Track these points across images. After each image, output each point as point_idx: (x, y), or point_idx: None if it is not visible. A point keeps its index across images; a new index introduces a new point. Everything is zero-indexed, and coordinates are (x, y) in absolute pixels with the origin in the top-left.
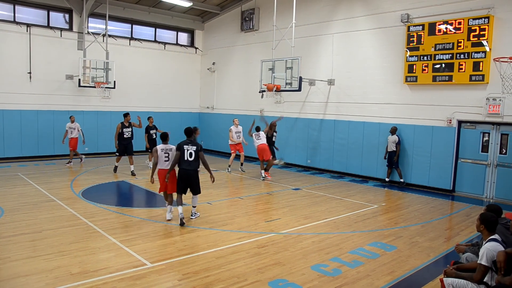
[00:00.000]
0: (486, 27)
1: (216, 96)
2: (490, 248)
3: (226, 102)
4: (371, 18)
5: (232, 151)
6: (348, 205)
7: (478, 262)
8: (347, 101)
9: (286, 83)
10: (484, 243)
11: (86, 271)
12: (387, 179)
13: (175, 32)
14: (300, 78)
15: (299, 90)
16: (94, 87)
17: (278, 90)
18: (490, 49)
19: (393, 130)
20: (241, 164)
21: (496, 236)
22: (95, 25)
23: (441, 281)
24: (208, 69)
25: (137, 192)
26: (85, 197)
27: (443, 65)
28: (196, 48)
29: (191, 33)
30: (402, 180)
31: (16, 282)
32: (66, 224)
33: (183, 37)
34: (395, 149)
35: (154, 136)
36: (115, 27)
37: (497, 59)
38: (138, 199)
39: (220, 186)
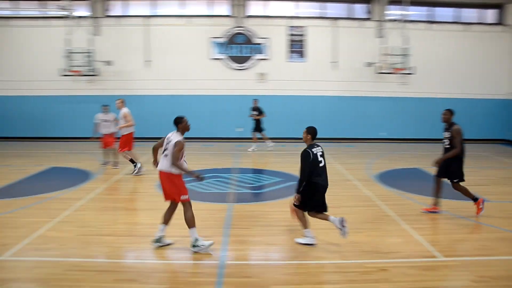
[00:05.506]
0: None
1: None
2: None
3: None
4: None
5: None
6: None
7: None
8: None
9: None
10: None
11: (377, 251)
12: None
13: (479, 10)
14: None
15: None
16: (393, 73)
17: None
18: None
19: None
20: None
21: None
22: (394, 12)
23: None
24: None
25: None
26: (381, 181)
27: None
28: (506, 26)
29: (499, 8)
30: None
31: (317, 247)
32: (361, 204)
33: (489, 14)
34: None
35: None
36: (413, 12)
37: None
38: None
39: None
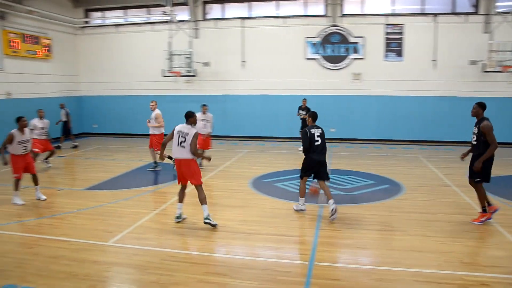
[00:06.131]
0: None
1: None
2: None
3: None
4: None
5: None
6: None
7: None
8: None
9: None
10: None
11: (477, 264)
12: None
13: None
14: None
15: None
16: (501, 71)
17: None
18: None
19: None
20: None
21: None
22: (504, 3)
23: None
24: None
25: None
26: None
27: None
28: None
29: None
30: None
31: (410, 254)
32: (460, 211)
33: None
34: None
35: None
36: None
37: None
38: None
39: None
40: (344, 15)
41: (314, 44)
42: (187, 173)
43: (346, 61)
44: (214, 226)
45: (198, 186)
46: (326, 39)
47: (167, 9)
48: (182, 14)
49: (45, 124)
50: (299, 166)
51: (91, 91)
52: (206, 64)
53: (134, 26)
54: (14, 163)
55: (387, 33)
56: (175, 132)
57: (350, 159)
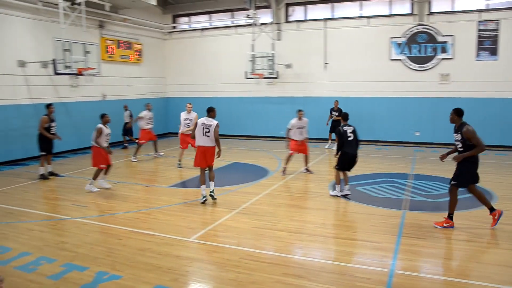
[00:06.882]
0: None
1: None
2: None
3: None
4: None
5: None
6: None
7: None
8: None
9: None
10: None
11: None
12: None
13: None
14: None
15: None
16: None
17: None
18: None
19: None
20: None
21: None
22: None
23: None
24: None
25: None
26: None
27: None
28: None
29: None
30: None
31: (503, 269)
32: None
33: None
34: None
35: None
36: None
37: None
38: None
39: None
40: (432, 13)
41: (399, 44)
42: (209, 157)
43: (433, 62)
44: (214, 199)
45: (212, 167)
46: (412, 39)
47: (251, 12)
48: (265, 16)
49: (151, 115)
50: (382, 170)
51: (177, 93)
52: (288, 66)
53: (218, 29)
54: (99, 155)
55: (480, 30)
56: (199, 124)
57: (435, 165)
